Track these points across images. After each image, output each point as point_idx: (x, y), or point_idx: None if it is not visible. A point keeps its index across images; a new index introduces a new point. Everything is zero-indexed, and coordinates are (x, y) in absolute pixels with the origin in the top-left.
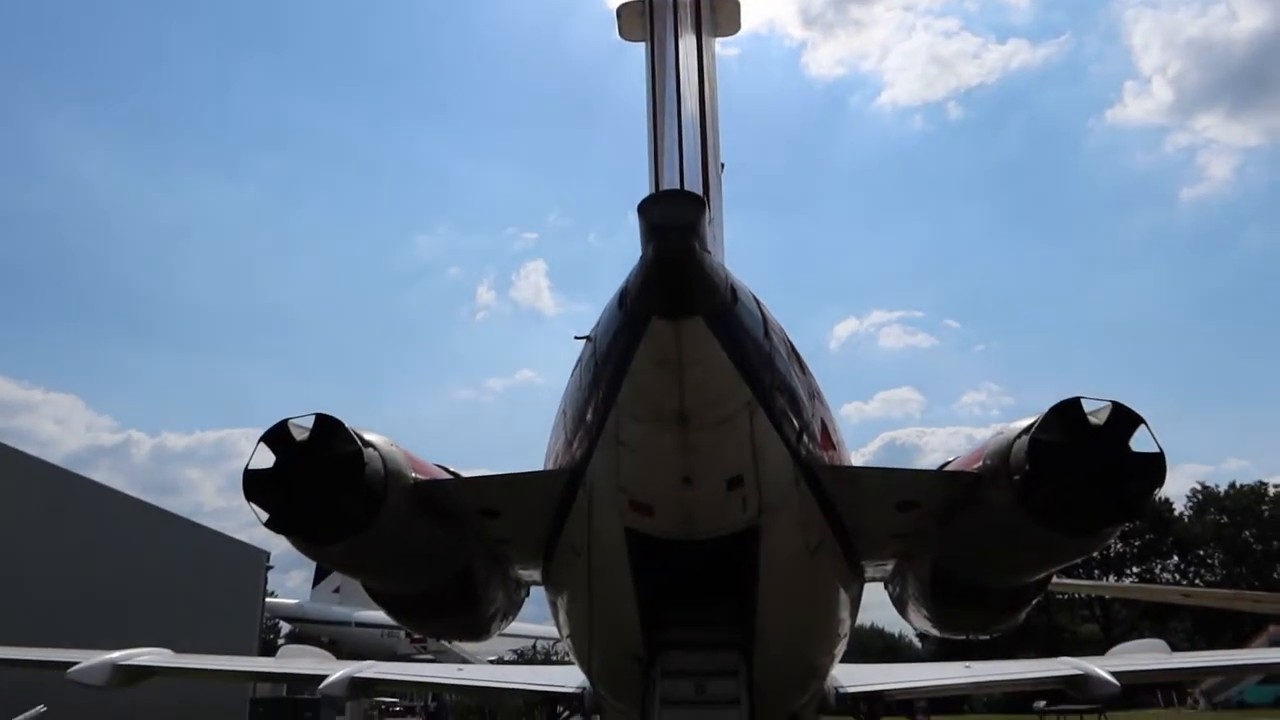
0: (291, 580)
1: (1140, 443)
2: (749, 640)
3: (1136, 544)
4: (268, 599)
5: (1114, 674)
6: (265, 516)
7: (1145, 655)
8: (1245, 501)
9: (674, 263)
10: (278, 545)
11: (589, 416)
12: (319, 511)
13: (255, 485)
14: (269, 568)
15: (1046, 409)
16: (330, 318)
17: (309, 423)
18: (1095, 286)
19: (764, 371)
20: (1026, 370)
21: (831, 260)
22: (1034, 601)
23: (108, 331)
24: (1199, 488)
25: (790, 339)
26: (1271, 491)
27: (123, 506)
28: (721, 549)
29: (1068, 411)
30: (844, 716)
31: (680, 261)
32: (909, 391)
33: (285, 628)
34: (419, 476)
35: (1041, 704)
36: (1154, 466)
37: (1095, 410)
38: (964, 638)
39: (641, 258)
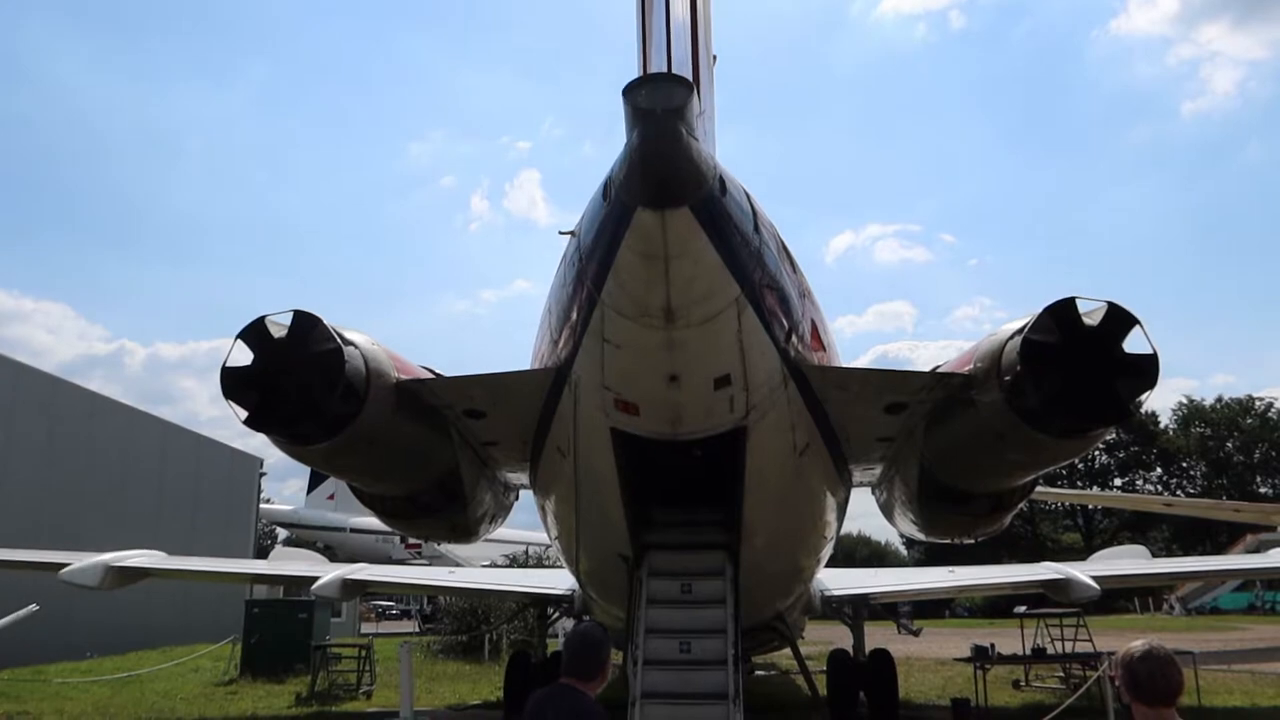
0: (289, 488)
1: (1134, 345)
2: (735, 541)
3: (1121, 455)
4: (263, 505)
5: (1095, 578)
6: (244, 414)
7: (1126, 561)
8: (1230, 414)
9: (660, 148)
10: (273, 453)
11: (574, 314)
12: (298, 409)
13: (233, 383)
14: (262, 474)
15: (1040, 309)
16: (323, 227)
17: (287, 319)
18: (1091, 200)
19: (753, 267)
20: (1019, 284)
21: (829, 172)
22: (1019, 506)
23: (94, 240)
24: (1185, 401)
25: (781, 236)
26: (1257, 405)
27: (114, 412)
28: (708, 449)
29: (1062, 312)
30: (829, 620)
31: (667, 147)
32: (902, 305)
33: (282, 534)
34: (402, 376)
35: (1022, 609)
36: (1147, 367)
37: (1090, 311)
38: (949, 543)
39: (626, 144)
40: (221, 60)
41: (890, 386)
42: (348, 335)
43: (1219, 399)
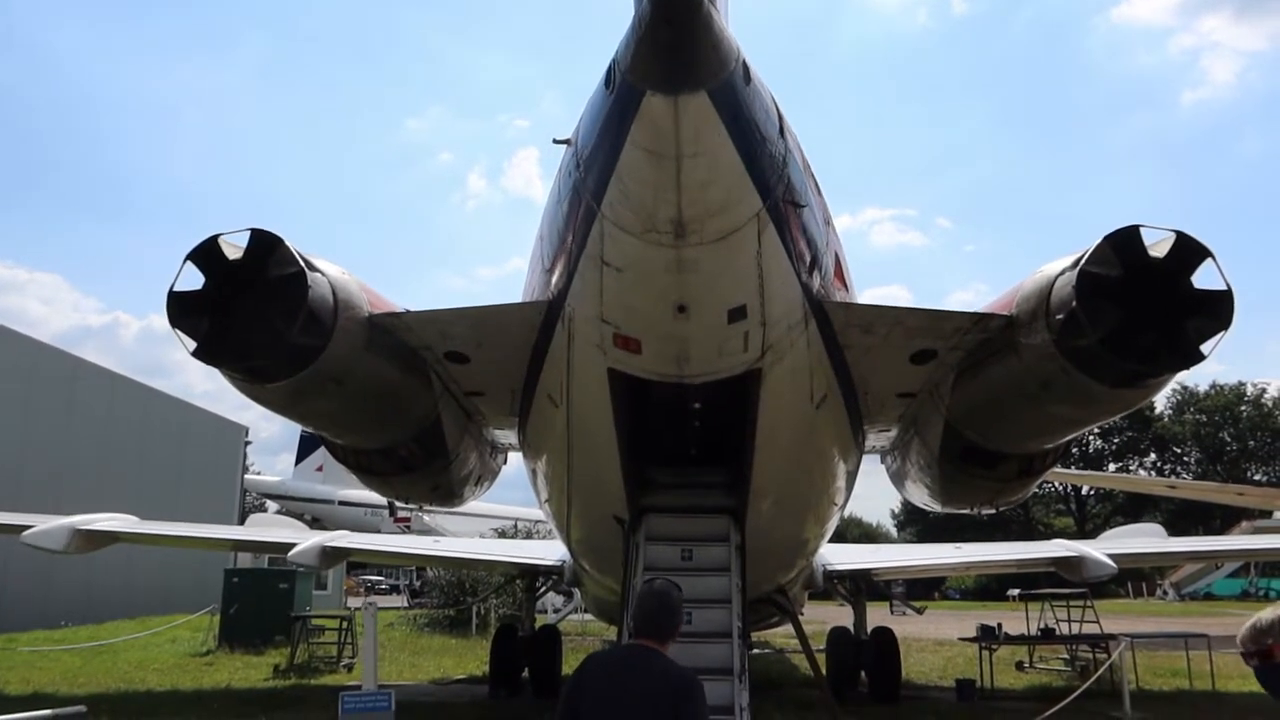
0: (281, 462)
1: (1205, 280)
2: (742, 504)
3: (1116, 441)
4: (249, 476)
5: (1111, 556)
6: (193, 345)
7: (1141, 539)
8: (1224, 401)
9: (675, 13)
10: (268, 426)
11: (569, 236)
12: (254, 341)
13: (181, 310)
14: (248, 443)
15: (1099, 239)
16: (320, 201)
17: (244, 240)
18: (1089, 188)
19: (777, 179)
20: (1015, 270)
21: (827, 156)
22: (1048, 470)
23: (88, 212)
24: (1180, 388)
25: (805, 151)
26: (1250, 392)
27: (95, 376)
28: (716, 397)
29: (1123, 242)
30: (822, 600)
31: (683, 12)
32: (898, 290)
33: (272, 507)
34: (376, 311)
35: (1015, 592)
36: (1220, 306)
37: (1155, 242)
38: (942, 524)
39: (635, 14)
40: (220, 32)
41: (922, 329)
42: (315, 261)
43: (1213, 385)
